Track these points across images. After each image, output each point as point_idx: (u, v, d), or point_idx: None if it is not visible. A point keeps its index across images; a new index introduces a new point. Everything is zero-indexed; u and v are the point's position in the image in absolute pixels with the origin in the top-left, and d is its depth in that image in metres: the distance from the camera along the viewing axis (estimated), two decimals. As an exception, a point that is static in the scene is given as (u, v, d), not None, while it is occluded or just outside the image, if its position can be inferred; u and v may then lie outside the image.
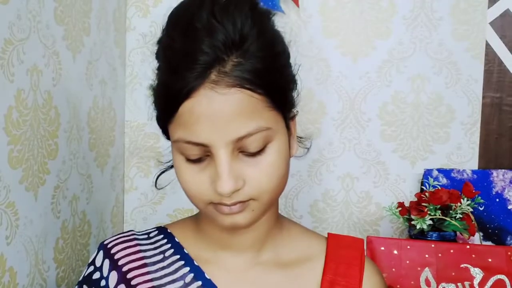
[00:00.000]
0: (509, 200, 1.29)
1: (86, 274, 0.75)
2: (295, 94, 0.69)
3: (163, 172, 0.78)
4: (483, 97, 1.33)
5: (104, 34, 1.19)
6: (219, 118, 0.59)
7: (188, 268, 0.72)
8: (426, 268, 1.10)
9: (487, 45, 1.32)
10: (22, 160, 0.82)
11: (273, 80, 0.62)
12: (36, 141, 0.87)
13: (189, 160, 0.63)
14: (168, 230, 0.77)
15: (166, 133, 0.67)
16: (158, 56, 0.66)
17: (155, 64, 1.37)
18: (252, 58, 0.60)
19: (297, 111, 0.71)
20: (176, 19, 0.64)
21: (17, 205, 0.81)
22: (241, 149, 0.61)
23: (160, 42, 0.66)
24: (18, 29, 0.80)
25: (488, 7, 1.31)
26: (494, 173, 1.31)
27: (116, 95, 1.28)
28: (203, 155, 0.62)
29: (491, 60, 1.32)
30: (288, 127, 0.68)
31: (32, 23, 0.84)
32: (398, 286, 1.09)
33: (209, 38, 0.59)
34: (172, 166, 0.75)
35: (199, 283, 0.70)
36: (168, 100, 0.62)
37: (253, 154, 0.62)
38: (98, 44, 1.15)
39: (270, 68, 0.62)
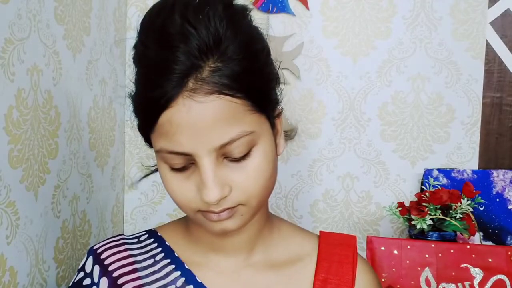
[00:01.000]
0: (509, 200, 1.29)
1: (76, 280, 0.74)
2: (278, 91, 0.68)
3: (145, 176, 0.77)
4: (483, 97, 1.33)
5: (104, 33, 1.19)
6: (199, 127, 0.58)
7: (179, 272, 0.71)
8: (426, 268, 1.10)
9: (488, 45, 1.32)
10: (22, 160, 0.82)
11: (253, 81, 0.60)
12: (36, 140, 0.87)
13: (174, 169, 0.62)
14: (159, 234, 0.76)
15: (148, 141, 0.65)
16: (135, 62, 0.64)
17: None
18: (229, 61, 0.58)
19: (282, 108, 0.69)
20: (148, 24, 0.62)
21: (18, 205, 0.81)
22: (225, 155, 0.60)
23: (135, 47, 0.64)
24: (18, 28, 0.80)
25: (489, 7, 1.31)
26: (494, 173, 1.31)
27: (116, 95, 1.28)
28: (187, 163, 0.61)
29: (492, 60, 1.32)
30: (273, 126, 0.66)
31: (32, 22, 0.84)
32: (398, 286, 1.09)
33: (183, 45, 0.57)
34: (155, 171, 0.73)
35: (191, 286, 0.70)
36: (148, 110, 0.60)
37: (238, 159, 0.61)
38: (98, 44, 1.15)
39: (249, 70, 0.60)
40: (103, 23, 1.17)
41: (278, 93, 0.68)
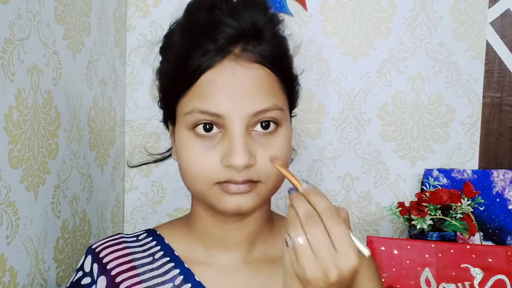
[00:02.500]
0: (509, 200, 1.29)
1: (74, 280, 0.74)
2: (296, 96, 0.72)
3: (148, 163, 0.80)
4: (483, 97, 1.33)
5: (104, 33, 1.19)
6: (239, 91, 0.61)
7: (178, 270, 0.71)
8: (426, 268, 1.10)
9: (488, 45, 1.32)
10: (22, 160, 0.82)
11: (286, 66, 0.67)
12: (36, 140, 0.87)
13: (199, 136, 0.63)
14: (158, 232, 0.76)
15: (170, 111, 0.68)
16: (173, 35, 0.68)
17: (155, 63, 1.37)
18: (269, 43, 0.64)
19: (295, 114, 0.73)
20: (197, 6, 0.66)
21: (18, 205, 0.81)
22: (254, 126, 0.63)
23: (171, 34, 0.68)
24: (18, 28, 0.80)
25: (489, 7, 1.31)
26: (495, 173, 1.31)
27: (116, 95, 1.28)
28: (215, 130, 0.63)
29: (492, 60, 1.32)
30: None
31: (32, 22, 0.84)
32: (398, 286, 1.09)
33: (237, 15, 0.62)
34: (161, 160, 0.76)
35: (189, 285, 0.70)
36: (188, 71, 0.63)
37: (265, 134, 0.63)
38: (98, 44, 1.15)
39: (283, 55, 0.67)
40: (103, 23, 1.17)
41: (296, 99, 0.72)
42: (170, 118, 0.69)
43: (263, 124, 0.63)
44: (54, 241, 0.95)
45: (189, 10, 0.67)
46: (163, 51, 0.70)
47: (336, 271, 0.53)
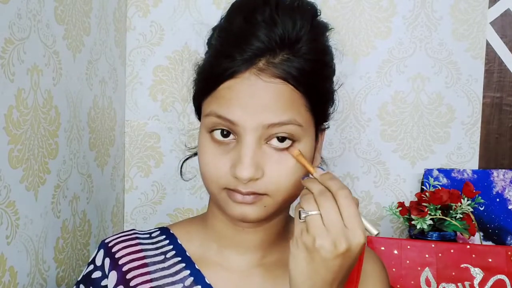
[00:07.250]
0: (509, 200, 1.29)
1: (85, 273, 0.74)
2: (330, 110, 0.71)
3: (187, 158, 0.79)
4: (484, 97, 1.33)
5: (104, 33, 1.19)
6: (256, 102, 0.60)
7: (188, 271, 0.71)
8: (426, 268, 1.10)
9: (488, 45, 1.32)
10: (22, 160, 0.82)
11: (316, 84, 0.64)
12: (36, 140, 0.87)
13: (214, 141, 0.64)
14: (171, 231, 0.76)
15: (199, 112, 0.69)
16: (211, 39, 0.68)
17: (155, 63, 1.38)
18: (301, 58, 0.62)
19: (328, 126, 0.72)
20: (239, 8, 0.66)
21: (18, 205, 0.81)
22: (268, 139, 0.62)
23: (215, 28, 0.68)
24: (18, 28, 0.80)
25: (489, 7, 1.31)
26: (495, 173, 1.31)
27: (116, 95, 1.28)
28: (230, 138, 0.63)
29: (492, 60, 1.32)
30: (316, 138, 0.68)
31: (32, 22, 0.84)
32: (398, 286, 1.09)
33: (268, 28, 0.61)
34: (196, 154, 0.76)
35: (199, 287, 0.70)
36: (211, 77, 0.64)
37: (279, 149, 0.62)
38: (98, 44, 1.15)
39: (315, 73, 0.64)
40: (103, 23, 1.17)
41: (330, 112, 0.71)
42: (197, 114, 0.70)
43: (279, 138, 0.62)
44: (54, 241, 0.95)
45: (230, 10, 0.67)
46: (207, 44, 0.70)
47: (346, 243, 0.56)
